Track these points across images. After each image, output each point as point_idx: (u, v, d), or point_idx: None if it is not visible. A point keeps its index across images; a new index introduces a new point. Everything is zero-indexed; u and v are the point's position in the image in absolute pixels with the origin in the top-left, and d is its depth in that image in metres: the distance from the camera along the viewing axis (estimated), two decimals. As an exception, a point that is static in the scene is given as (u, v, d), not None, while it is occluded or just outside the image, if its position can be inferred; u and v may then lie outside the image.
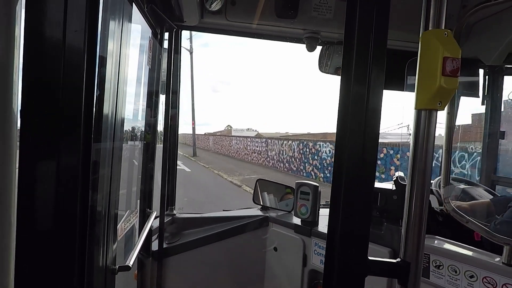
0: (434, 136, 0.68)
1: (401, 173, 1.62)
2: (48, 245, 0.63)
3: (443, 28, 0.66)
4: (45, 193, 0.62)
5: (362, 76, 0.63)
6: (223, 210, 2.15)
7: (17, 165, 0.61)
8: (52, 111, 0.61)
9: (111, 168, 0.95)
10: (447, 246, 1.32)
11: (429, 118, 0.67)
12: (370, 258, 0.65)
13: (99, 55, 0.87)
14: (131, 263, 1.14)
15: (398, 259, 0.69)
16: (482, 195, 1.88)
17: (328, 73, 1.93)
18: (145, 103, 1.59)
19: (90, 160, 0.68)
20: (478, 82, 2.09)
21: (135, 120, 1.46)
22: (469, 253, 1.25)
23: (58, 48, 0.60)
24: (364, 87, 0.63)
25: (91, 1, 0.63)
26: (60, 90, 0.61)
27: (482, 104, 2.16)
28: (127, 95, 1.12)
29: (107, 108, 0.89)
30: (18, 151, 0.61)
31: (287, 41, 1.94)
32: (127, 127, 1.22)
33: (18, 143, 0.61)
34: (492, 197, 1.87)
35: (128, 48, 1.05)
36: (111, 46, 0.89)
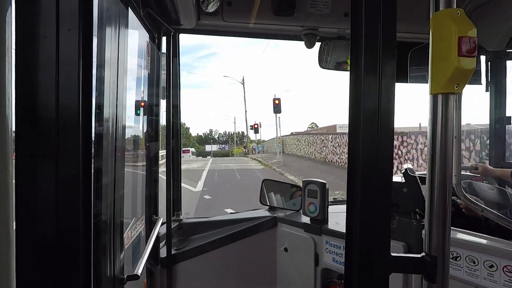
0: (454, 121, 0.65)
1: (409, 165, 1.59)
2: (51, 258, 0.60)
3: (455, 7, 0.63)
4: (45, 203, 0.59)
5: (373, 69, 0.61)
6: (230, 213, 2.12)
7: (13, 174, 0.58)
8: (48, 116, 0.58)
9: (114, 175, 0.93)
10: (463, 236, 1.29)
11: (446, 103, 0.64)
12: (392, 254, 0.63)
13: (96, 60, 0.85)
14: (140, 271, 1.12)
15: (423, 254, 0.66)
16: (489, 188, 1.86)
17: (328, 68, 1.91)
18: (146, 108, 1.57)
19: (91, 168, 0.65)
20: (480, 69, 2.06)
21: (136, 125, 1.44)
22: (487, 242, 1.22)
23: (51, 52, 0.57)
24: (375, 80, 0.61)
25: (84, 3, 0.60)
26: (55, 96, 0.58)
27: (486, 90, 2.13)
28: (127, 100, 1.10)
29: (107, 114, 0.87)
30: (13, 159, 0.58)
31: (286, 39, 1.92)
32: (128, 132, 1.20)
33: (13, 148, 0.58)
34: (501, 188, 1.85)
35: (125, 53, 1.03)
36: (108, 51, 0.87)
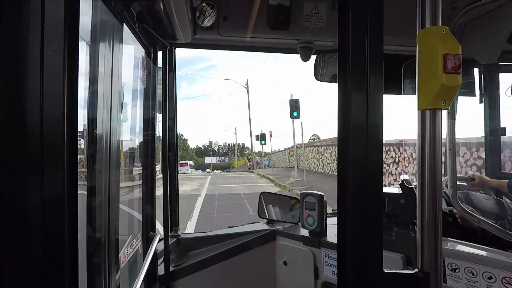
0: (441, 136, 0.66)
1: (406, 176, 1.59)
2: (42, 282, 0.56)
3: (440, 25, 0.64)
4: (29, 224, 0.56)
5: (360, 82, 0.62)
6: (229, 227, 2.10)
7: None
8: (32, 137, 0.56)
9: (109, 192, 0.92)
10: (461, 247, 1.28)
11: (434, 118, 0.65)
12: (385, 270, 0.62)
13: (89, 76, 0.85)
14: None
15: (416, 270, 0.65)
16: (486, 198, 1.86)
17: (324, 81, 1.93)
18: (141, 123, 1.57)
19: (77, 186, 0.63)
20: (473, 81, 2.09)
21: (132, 140, 1.44)
22: (485, 253, 1.21)
23: (36, 68, 0.55)
24: (363, 93, 0.61)
25: (70, 23, 0.60)
26: (39, 118, 0.55)
27: (480, 102, 2.16)
28: (123, 115, 1.10)
29: (101, 129, 0.86)
30: None
31: (281, 52, 1.95)
32: (124, 147, 1.19)
33: None
34: (497, 198, 1.86)
35: (120, 68, 1.03)
36: (101, 66, 0.87)
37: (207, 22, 1.61)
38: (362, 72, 0.61)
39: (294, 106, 14.81)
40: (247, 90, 37.55)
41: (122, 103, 1.06)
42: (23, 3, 0.55)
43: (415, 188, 1.47)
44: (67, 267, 0.58)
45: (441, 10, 0.65)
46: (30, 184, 0.56)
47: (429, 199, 0.65)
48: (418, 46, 0.66)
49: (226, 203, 11.46)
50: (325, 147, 20.30)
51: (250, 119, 38.11)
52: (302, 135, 16.56)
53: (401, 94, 1.75)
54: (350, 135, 0.61)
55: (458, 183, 1.75)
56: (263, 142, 26.12)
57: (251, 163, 39.02)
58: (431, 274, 0.64)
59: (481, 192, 1.97)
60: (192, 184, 18.26)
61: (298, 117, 15.13)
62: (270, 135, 26.27)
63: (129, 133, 1.37)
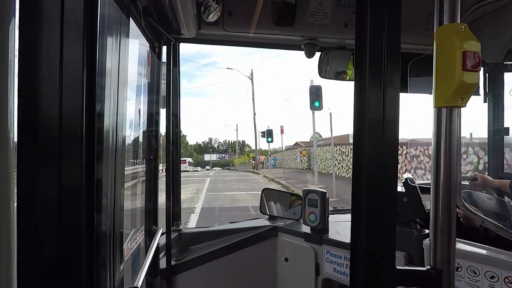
0: (458, 135, 0.65)
1: (409, 175, 1.59)
2: (53, 270, 0.59)
3: (459, 22, 0.64)
4: (47, 215, 0.58)
5: (377, 80, 0.62)
6: (230, 222, 2.10)
7: (15, 185, 0.57)
8: (51, 127, 0.57)
9: (115, 186, 0.92)
10: (464, 246, 1.29)
11: (450, 116, 0.65)
12: (398, 267, 0.62)
13: (98, 70, 0.85)
14: (140, 283, 1.10)
15: (428, 267, 0.65)
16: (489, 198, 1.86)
17: (328, 78, 1.92)
18: (146, 118, 1.57)
19: (94, 178, 0.64)
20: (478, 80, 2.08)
21: (136, 134, 1.44)
22: (488, 252, 1.21)
23: (55, 62, 0.57)
24: (380, 91, 0.61)
25: (89, 16, 0.60)
26: (58, 108, 0.57)
27: (484, 101, 2.15)
28: (128, 109, 1.09)
29: (107, 124, 0.86)
30: (15, 170, 0.58)
31: (286, 49, 1.94)
32: (128, 142, 1.19)
33: (16, 160, 0.57)
34: (500, 198, 1.85)
35: (126, 62, 1.03)
36: (109, 61, 0.87)
37: (212, 17, 1.60)
38: (379, 70, 0.61)
39: (316, 94, 11.15)
40: (252, 81, 33.91)
41: (127, 97, 1.05)
42: None
43: (418, 187, 1.48)
44: (84, 258, 0.60)
45: (459, 7, 0.65)
46: (48, 175, 0.58)
47: (444, 197, 0.65)
48: (436, 43, 0.66)
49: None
50: (351, 147, 14.30)
51: (254, 113, 34.02)
52: (331, 131, 12.45)
53: (407, 92, 1.75)
54: (366, 133, 0.61)
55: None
56: (270, 139, 22.30)
57: (255, 161, 33.88)
58: (443, 272, 0.64)
59: (483, 192, 1.97)
60: (186, 190, 14.34)
61: (320, 108, 11.22)
62: (282, 131, 20.43)
63: (133, 127, 1.37)
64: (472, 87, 0.62)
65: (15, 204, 0.57)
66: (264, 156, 38.39)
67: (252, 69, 38.49)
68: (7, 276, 0.56)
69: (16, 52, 0.57)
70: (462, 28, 0.63)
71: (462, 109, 0.68)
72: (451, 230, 0.64)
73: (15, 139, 0.58)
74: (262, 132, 23.25)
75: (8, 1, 0.56)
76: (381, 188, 0.61)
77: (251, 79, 33.77)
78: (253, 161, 36.10)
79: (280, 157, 31.27)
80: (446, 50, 0.63)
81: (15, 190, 0.57)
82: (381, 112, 0.61)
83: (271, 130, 22.38)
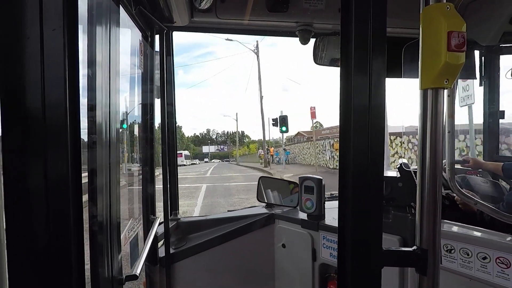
0: (446, 116, 0.66)
1: (404, 160, 1.60)
2: (43, 261, 0.59)
3: (444, 1, 0.63)
4: (34, 206, 0.57)
5: (363, 65, 0.61)
6: (228, 211, 2.12)
7: (2, 176, 0.57)
8: (34, 116, 0.56)
9: (109, 176, 0.93)
10: (457, 229, 1.30)
11: (436, 97, 0.65)
12: (384, 248, 0.63)
13: (87, 59, 0.84)
14: (138, 271, 1.12)
15: (415, 247, 0.67)
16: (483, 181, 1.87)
17: (323, 64, 1.91)
18: (140, 107, 1.56)
19: (80, 168, 0.64)
20: (474, 63, 2.07)
21: (131, 125, 1.43)
22: (480, 234, 1.23)
23: (36, 52, 0.56)
24: (365, 77, 0.61)
25: (68, 2, 0.59)
26: (41, 97, 0.56)
27: (480, 85, 2.14)
28: (121, 99, 1.09)
29: (99, 113, 0.86)
30: (0, 161, 0.57)
31: (280, 35, 1.91)
32: (123, 132, 1.19)
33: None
34: (494, 181, 1.87)
35: (117, 51, 1.02)
36: (99, 49, 0.86)
37: (205, 5, 1.57)
38: (364, 55, 0.61)
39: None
40: (257, 56, 27.35)
41: (119, 86, 1.05)
42: None
43: (413, 172, 1.49)
44: (73, 245, 0.59)
45: None
46: (34, 165, 0.57)
47: (430, 179, 0.66)
48: (422, 24, 0.65)
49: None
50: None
51: (261, 97, 26.95)
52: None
53: (400, 77, 1.74)
54: (352, 119, 0.61)
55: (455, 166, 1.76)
56: (284, 128, 17.21)
57: (265, 156, 26.06)
58: (429, 251, 0.65)
59: (478, 175, 1.98)
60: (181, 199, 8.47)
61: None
62: (313, 115, 15.56)
63: (127, 117, 1.37)
64: (458, 68, 0.62)
65: (3, 198, 0.57)
66: (272, 149, 32.12)
67: (257, 41, 29.38)
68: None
69: None
70: (448, 8, 0.62)
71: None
72: (437, 211, 0.65)
73: None
74: (273, 120, 18.28)
75: None
76: (367, 173, 0.61)
77: (257, 53, 27.63)
78: (261, 154, 29.00)
79: (293, 150, 26.43)
80: (432, 31, 0.63)
81: (2, 183, 0.57)
82: (367, 98, 0.61)
83: (286, 116, 17.30)
